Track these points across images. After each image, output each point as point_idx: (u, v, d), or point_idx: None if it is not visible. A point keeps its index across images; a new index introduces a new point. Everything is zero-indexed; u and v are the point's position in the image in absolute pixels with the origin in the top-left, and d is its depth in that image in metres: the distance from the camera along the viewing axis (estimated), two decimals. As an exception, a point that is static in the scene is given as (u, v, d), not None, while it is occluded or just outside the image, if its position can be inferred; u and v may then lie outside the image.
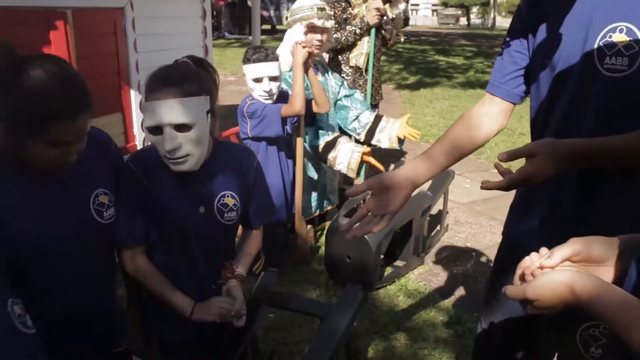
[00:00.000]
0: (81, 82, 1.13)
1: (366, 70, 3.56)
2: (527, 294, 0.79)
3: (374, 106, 3.71)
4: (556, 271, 0.81)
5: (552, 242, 0.88)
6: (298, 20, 2.81)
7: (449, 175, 3.40)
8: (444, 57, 13.27)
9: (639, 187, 1.14)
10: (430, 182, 2.79)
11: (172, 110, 1.27)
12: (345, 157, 2.89)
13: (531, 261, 0.85)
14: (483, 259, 3.24)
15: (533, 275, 0.83)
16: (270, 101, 2.47)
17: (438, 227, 3.51)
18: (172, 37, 3.95)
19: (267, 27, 18.34)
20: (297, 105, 2.42)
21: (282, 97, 2.55)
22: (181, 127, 1.28)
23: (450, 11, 40.21)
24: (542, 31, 1.21)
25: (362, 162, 2.87)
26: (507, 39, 1.31)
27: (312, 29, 2.77)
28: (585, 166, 1.12)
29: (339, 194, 3.43)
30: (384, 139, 3.13)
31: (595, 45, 1.10)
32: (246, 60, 2.47)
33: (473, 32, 25.32)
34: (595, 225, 0.98)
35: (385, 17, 3.51)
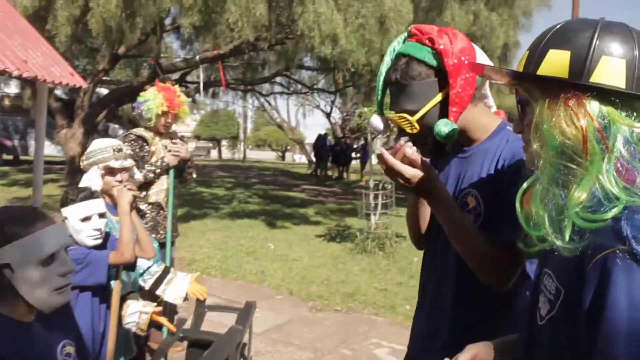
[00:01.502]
0: None
1: (166, 205, 3.61)
2: None
3: (172, 243, 3.72)
4: None
5: None
6: (94, 164, 2.73)
7: (253, 306, 3.53)
8: (207, 189, 13.75)
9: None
10: (236, 315, 2.90)
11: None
12: (134, 316, 2.77)
13: None
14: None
15: None
16: (99, 241, 2.35)
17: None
18: None
19: (9, 157, 16.69)
20: (127, 253, 2.33)
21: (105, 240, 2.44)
22: None
23: (202, 143, 42.24)
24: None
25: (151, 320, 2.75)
26: None
27: (110, 171, 2.73)
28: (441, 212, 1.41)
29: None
30: (170, 292, 3.04)
31: (458, 201, 1.48)
32: (70, 201, 2.33)
33: (227, 164, 26.84)
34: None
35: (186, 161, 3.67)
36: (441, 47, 1.37)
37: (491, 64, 1.44)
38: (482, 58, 1.48)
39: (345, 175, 21.12)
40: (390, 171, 1.35)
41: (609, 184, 0.85)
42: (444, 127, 1.38)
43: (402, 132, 1.48)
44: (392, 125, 1.54)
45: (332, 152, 20.79)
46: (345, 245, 7.51)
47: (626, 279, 0.79)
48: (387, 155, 1.33)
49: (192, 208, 10.16)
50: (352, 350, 4.01)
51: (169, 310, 3.37)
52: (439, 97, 1.41)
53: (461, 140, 1.51)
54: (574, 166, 0.89)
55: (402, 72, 1.41)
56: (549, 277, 0.96)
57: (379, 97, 1.57)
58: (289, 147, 45.75)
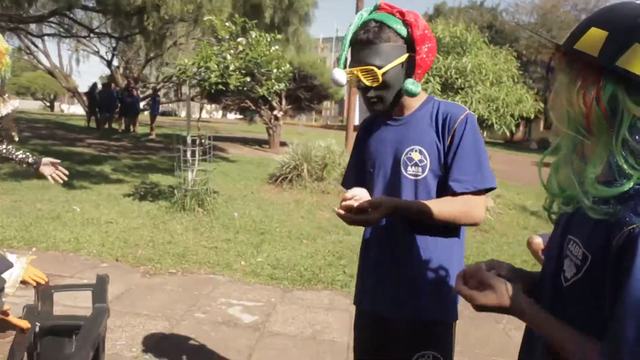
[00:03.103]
0: None
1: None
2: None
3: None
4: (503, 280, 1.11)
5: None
6: None
7: (106, 280, 3.16)
8: None
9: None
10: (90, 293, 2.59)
11: None
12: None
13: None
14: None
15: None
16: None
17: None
18: None
19: None
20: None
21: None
22: None
23: None
24: (367, 148, 1.82)
25: None
26: (353, 151, 1.91)
27: None
28: (410, 218, 1.66)
29: None
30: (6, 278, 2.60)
31: (402, 159, 1.71)
32: None
33: None
34: None
35: None
36: (411, 19, 1.63)
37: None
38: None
39: (132, 128, 19.78)
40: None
41: (620, 160, 0.94)
42: (411, 85, 1.64)
43: (358, 86, 1.68)
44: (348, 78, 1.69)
45: (122, 103, 19.22)
46: (159, 203, 7.13)
47: None
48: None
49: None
50: (205, 312, 3.89)
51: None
52: (403, 58, 1.65)
53: (396, 110, 1.75)
54: (586, 140, 0.98)
55: (374, 33, 1.63)
56: (574, 244, 1.04)
57: (344, 54, 1.73)
58: (56, 97, 41.10)
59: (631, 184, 0.93)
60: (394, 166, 1.72)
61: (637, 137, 0.94)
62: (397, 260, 1.72)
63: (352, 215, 1.57)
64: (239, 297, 4.29)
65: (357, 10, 12.36)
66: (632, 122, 0.94)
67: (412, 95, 1.64)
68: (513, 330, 3.86)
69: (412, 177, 1.68)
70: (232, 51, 6.04)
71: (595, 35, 0.98)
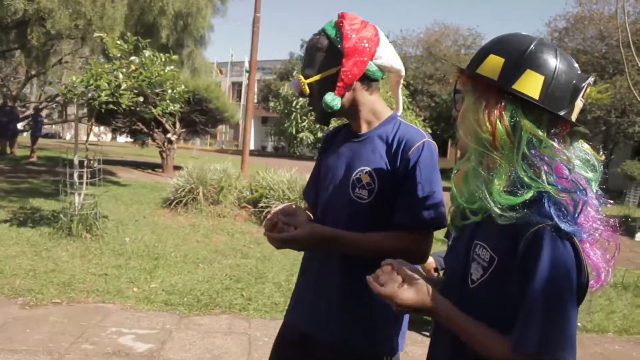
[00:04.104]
0: None
1: None
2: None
3: None
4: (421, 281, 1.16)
5: None
6: None
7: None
8: None
9: None
10: None
11: None
12: None
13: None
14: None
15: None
16: None
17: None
18: None
19: None
20: None
21: None
22: None
23: None
24: (325, 161, 1.78)
25: None
26: (316, 163, 1.87)
27: None
28: (341, 251, 1.59)
29: None
30: None
31: (351, 179, 1.64)
32: None
33: None
34: None
35: None
36: (345, 31, 1.58)
37: (395, 55, 1.71)
38: (385, 48, 1.67)
39: (9, 150, 18.25)
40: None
41: (520, 173, 1.07)
42: (328, 99, 1.61)
43: (301, 93, 1.68)
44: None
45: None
46: (41, 230, 6.61)
47: (551, 246, 1.02)
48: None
49: None
50: (94, 343, 3.64)
51: None
52: (332, 71, 1.61)
53: (354, 126, 1.71)
54: (492, 154, 1.10)
55: (312, 41, 1.65)
56: (482, 248, 1.13)
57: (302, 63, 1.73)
58: None
59: (532, 193, 1.05)
60: (343, 185, 1.66)
61: (533, 151, 1.07)
62: (331, 283, 1.66)
63: (271, 234, 1.52)
64: (131, 325, 4.07)
65: (253, 35, 12.41)
66: (529, 139, 1.08)
67: (329, 109, 1.61)
68: None
69: (358, 200, 1.61)
70: (124, 70, 5.83)
71: (494, 62, 1.11)
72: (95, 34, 5.78)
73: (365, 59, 1.58)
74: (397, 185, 1.57)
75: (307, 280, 1.76)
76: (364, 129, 1.69)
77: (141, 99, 6.01)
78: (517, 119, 1.08)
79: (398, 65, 1.70)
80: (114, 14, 7.56)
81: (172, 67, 5.96)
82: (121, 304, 4.55)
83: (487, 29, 34.83)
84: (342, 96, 1.62)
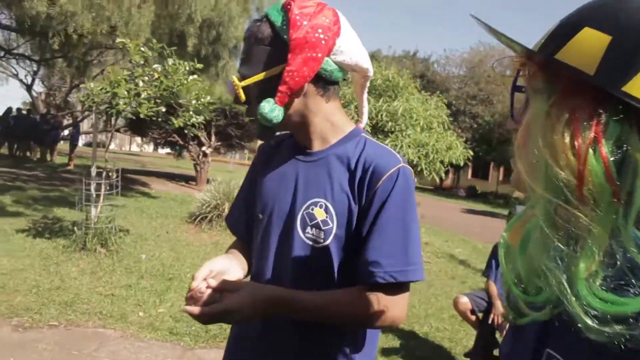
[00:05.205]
0: None
1: None
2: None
3: None
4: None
5: None
6: None
7: None
8: None
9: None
10: None
11: None
12: None
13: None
14: None
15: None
16: None
17: None
18: None
19: None
20: None
21: None
22: None
23: None
24: (262, 182, 1.32)
25: None
26: (245, 180, 1.42)
27: None
28: (289, 317, 1.16)
29: None
30: None
31: (300, 214, 1.21)
32: None
33: None
34: None
35: None
36: (293, 16, 1.15)
37: (361, 49, 1.25)
38: (348, 41, 1.21)
39: (49, 157, 18.50)
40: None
41: (632, 249, 0.54)
42: (265, 107, 1.17)
43: (236, 99, 1.25)
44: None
45: (37, 130, 17.94)
46: (57, 242, 6.34)
47: None
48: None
49: None
50: (79, 379, 3.25)
51: None
52: (275, 70, 1.18)
53: (304, 141, 1.27)
54: (576, 211, 0.57)
55: (251, 31, 1.22)
56: None
57: None
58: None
59: None
60: (289, 220, 1.24)
61: None
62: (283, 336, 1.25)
63: (192, 310, 1.08)
64: (128, 357, 3.66)
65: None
66: None
67: (267, 123, 1.18)
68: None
69: (310, 243, 1.20)
70: (146, 78, 5.52)
71: (591, 41, 0.59)
72: (118, 40, 5.49)
73: (320, 54, 1.15)
74: (363, 225, 1.17)
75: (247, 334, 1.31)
76: (317, 145, 1.26)
77: (163, 109, 5.68)
78: (629, 148, 0.55)
79: (364, 62, 1.24)
80: (139, 19, 7.33)
81: (195, 76, 5.61)
82: (122, 330, 4.15)
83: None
84: (286, 105, 1.18)
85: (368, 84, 1.32)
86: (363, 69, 1.26)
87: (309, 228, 1.20)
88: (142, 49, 5.59)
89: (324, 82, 1.20)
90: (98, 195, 6.25)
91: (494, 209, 20.95)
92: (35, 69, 22.27)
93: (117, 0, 6.88)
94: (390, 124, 8.07)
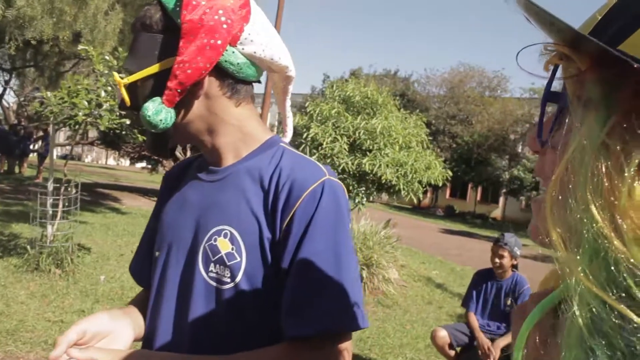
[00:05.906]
0: None
1: None
2: None
3: None
4: None
5: None
6: None
7: None
8: None
9: None
10: None
11: None
12: None
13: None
14: None
15: None
16: None
17: None
18: None
19: None
20: None
21: None
22: None
23: None
24: (162, 214, 1.07)
25: None
26: (150, 219, 1.15)
27: None
28: None
29: None
30: None
31: (201, 248, 0.95)
32: None
33: None
34: None
35: None
36: None
37: (280, 43, 1.00)
38: (261, 29, 0.96)
39: (17, 169, 17.89)
40: None
41: None
42: (149, 106, 0.91)
43: (122, 104, 0.98)
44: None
45: (6, 141, 17.35)
46: (9, 261, 5.91)
47: None
48: None
49: None
50: None
51: None
52: (167, 63, 0.92)
53: (212, 156, 1.02)
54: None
55: (139, 16, 0.96)
56: None
57: None
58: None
59: None
60: (190, 257, 0.98)
61: None
62: None
63: None
64: (68, 396, 3.28)
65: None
66: None
67: (152, 127, 0.93)
68: None
69: (214, 283, 0.94)
70: (109, 88, 5.19)
71: None
72: (80, 47, 5.17)
73: (219, 41, 0.89)
74: (282, 259, 0.90)
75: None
76: (226, 160, 1.00)
77: (127, 121, 5.35)
78: None
79: (282, 59, 1.00)
80: (105, 27, 6.98)
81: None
82: (68, 363, 3.76)
83: (512, 72, 34.01)
84: (183, 108, 0.94)
85: (292, 87, 1.07)
86: (281, 67, 1.01)
87: (212, 265, 0.94)
88: (106, 57, 5.27)
89: (232, 79, 0.95)
90: (56, 212, 5.85)
91: (471, 229, 20.85)
92: (6, 78, 21.67)
93: (81, 5, 6.53)
94: (368, 142, 7.84)
